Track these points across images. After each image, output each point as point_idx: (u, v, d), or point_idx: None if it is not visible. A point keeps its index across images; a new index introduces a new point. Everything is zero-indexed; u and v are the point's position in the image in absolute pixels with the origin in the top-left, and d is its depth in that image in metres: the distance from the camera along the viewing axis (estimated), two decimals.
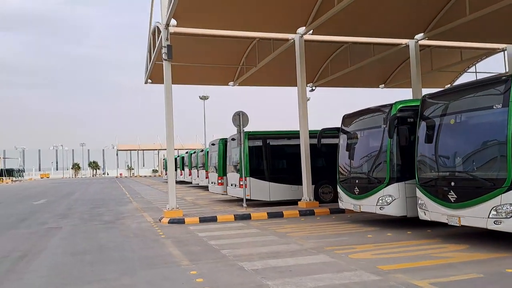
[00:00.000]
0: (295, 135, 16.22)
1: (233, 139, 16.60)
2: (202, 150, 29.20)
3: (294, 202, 15.27)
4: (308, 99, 70.08)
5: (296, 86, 22.26)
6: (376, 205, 9.78)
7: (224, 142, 18.71)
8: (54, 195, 28.67)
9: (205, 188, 29.84)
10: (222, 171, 18.41)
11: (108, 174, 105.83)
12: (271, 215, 12.55)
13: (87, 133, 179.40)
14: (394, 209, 9.52)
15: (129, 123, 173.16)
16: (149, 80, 20.18)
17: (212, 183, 19.74)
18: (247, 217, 12.36)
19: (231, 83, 21.42)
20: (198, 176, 29.91)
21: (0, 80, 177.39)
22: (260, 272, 6.24)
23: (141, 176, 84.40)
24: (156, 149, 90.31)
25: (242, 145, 13.78)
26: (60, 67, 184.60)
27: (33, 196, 27.78)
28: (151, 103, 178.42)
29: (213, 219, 12.13)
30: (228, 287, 5.59)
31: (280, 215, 12.65)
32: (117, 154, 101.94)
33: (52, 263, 7.44)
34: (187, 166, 34.98)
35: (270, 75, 20.59)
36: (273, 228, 10.53)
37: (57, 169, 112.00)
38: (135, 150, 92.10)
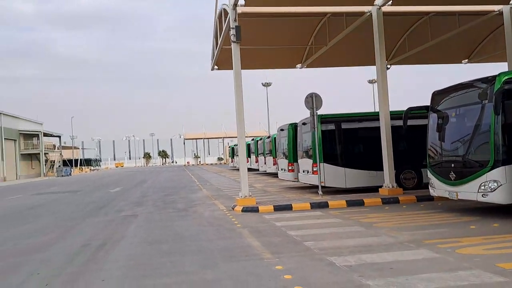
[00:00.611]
0: (372, 117, 15.12)
1: (304, 124, 15.81)
2: (268, 137, 28.72)
3: (372, 190, 14.25)
4: (374, 81, 67.34)
5: (369, 65, 20.90)
6: (478, 191, 8.54)
7: (293, 127, 17.96)
8: (128, 183, 29.75)
9: (273, 175, 29.42)
10: (293, 157, 17.72)
11: (176, 162, 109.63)
12: (350, 203, 11.66)
13: (156, 123, 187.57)
14: (500, 196, 8.26)
15: (195, 113, 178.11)
16: (216, 67, 19.85)
17: (281, 169, 19.14)
18: (324, 205, 11.59)
19: (298, 65, 20.52)
20: (265, 163, 29.52)
21: (76, 76, 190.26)
22: (355, 269, 5.47)
23: (207, 164, 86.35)
24: (221, 137, 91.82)
25: (315, 129, 12.94)
26: (131, 61, 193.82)
27: (109, 184, 28.99)
28: (216, 92, 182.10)
29: (288, 208, 11.50)
30: (323, 287, 4.89)
31: (360, 203, 11.72)
32: (184, 143, 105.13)
33: (130, 252, 7.20)
34: (254, 153, 34.75)
35: (341, 55, 19.43)
36: (355, 217, 9.67)
37: (130, 158, 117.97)
38: (201, 138, 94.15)
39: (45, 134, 61.11)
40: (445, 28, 16.30)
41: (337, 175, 14.41)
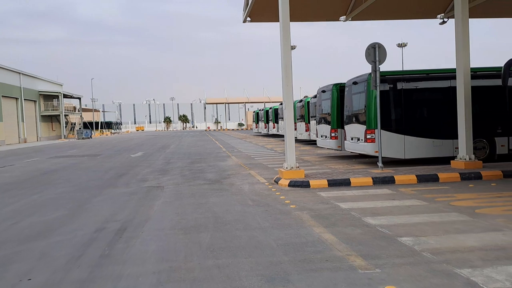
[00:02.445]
0: (439, 75, 12.74)
1: (355, 83, 13.50)
2: (300, 101, 26.39)
3: (434, 161, 12.15)
4: (405, 45, 62.68)
5: (429, 17, 18.16)
6: None
7: (338, 88, 15.67)
8: (150, 148, 28.11)
9: (304, 142, 27.35)
10: (336, 123, 15.52)
11: (196, 127, 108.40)
12: (422, 179, 9.51)
13: (177, 88, 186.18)
14: None
15: (216, 78, 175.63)
16: (248, 18, 17.39)
17: (322, 136, 16.98)
18: (389, 180, 9.47)
19: (342, 17, 17.89)
20: (295, 129, 27.36)
21: (100, 40, 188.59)
22: None
23: (228, 129, 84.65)
24: (243, 102, 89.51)
25: (377, 87, 10.63)
26: (152, 25, 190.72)
27: (131, 149, 27.41)
28: (238, 57, 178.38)
29: (346, 183, 9.42)
30: None
31: (434, 178, 9.55)
32: (204, 108, 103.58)
33: (160, 246, 5.29)
34: (281, 118, 32.50)
35: (397, 4, 16.75)
36: (441, 198, 7.55)
37: (150, 122, 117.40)
38: (223, 103, 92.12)
39: (65, 96, 59.90)
40: None
41: (394, 144, 12.21)
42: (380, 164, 10.68)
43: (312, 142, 26.44)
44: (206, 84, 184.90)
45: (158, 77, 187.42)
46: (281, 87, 10.39)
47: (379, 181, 9.44)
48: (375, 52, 10.50)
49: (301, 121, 25.63)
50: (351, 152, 14.71)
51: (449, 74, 12.47)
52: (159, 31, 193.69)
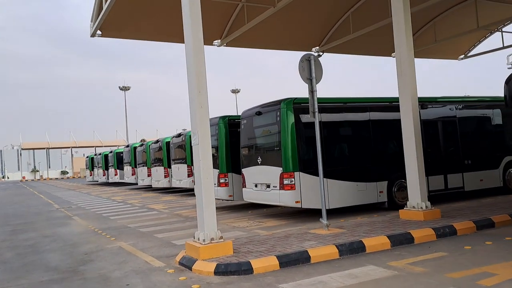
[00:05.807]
0: (363, 105, 10.79)
1: (259, 113, 10.52)
2: (157, 141, 22.19)
3: (359, 209, 9.90)
4: (238, 91, 64.11)
5: (305, 50, 16.95)
6: None
7: (226, 122, 12.45)
8: None
9: (161, 190, 23.07)
10: (227, 166, 12.13)
11: (8, 178, 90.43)
12: (395, 241, 6.72)
13: None
14: None
15: (35, 121, 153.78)
16: (99, 32, 13.03)
17: None
18: (358, 247, 6.41)
19: (216, 42, 15.11)
20: (148, 175, 22.91)
21: None
22: None
23: (50, 179, 72.47)
24: (70, 147, 78.24)
25: (315, 114, 7.69)
26: None
27: None
28: (62, 99, 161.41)
29: (304, 258, 5.97)
30: None
31: (408, 239, 6.87)
32: (20, 154, 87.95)
33: None
34: (128, 163, 27.50)
35: (272, 35, 14.97)
36: (483, 281, 4.78)
37: None
38: (44, 148, 79.00)
39: None
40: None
41: (316, 190, 9.42)
42: (324, 221, 7.59)
43: (173, 190, 22.35)
44: (21, 128, 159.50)
45: None
46: (189, 110, 6.57)
47: (346, 250, 6.29)
48: (310, 67, 7.65)
49: (158, 165, 21.38)
50: (254, 202, 11.38)
51: (370, 105, 10.59)
52: None
